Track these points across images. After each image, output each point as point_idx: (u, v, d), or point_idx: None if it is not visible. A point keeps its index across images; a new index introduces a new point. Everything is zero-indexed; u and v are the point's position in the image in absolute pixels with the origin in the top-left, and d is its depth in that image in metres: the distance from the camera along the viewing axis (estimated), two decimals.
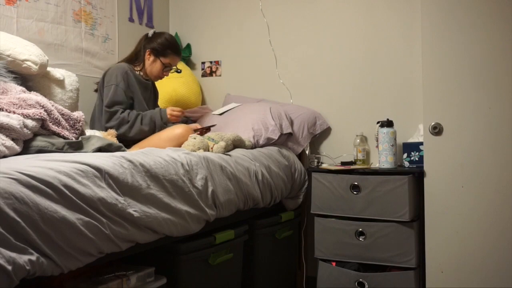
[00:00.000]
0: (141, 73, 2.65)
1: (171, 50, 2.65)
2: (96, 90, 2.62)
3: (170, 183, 1.68)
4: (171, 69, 2.70)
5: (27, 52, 2.09)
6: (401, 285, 2.31)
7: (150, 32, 2.69)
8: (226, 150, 2.22)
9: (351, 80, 2.94)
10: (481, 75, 2.23)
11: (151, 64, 2.63)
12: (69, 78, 2.38)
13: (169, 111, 2.50)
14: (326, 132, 2.99)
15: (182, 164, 1.77)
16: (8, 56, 2.03)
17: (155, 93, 2.82)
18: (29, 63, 2.08)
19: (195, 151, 2.09)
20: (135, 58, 2.67)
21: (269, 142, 2.64)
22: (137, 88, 2.55)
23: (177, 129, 2.34)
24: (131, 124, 2.42)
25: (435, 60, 2.30)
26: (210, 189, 1.88)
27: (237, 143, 2.37)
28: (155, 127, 2.46)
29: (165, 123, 2.49)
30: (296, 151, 2.84)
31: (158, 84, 2.85)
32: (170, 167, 1.71)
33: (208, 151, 2.17)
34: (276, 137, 2.63)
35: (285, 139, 2.77)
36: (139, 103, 2.55)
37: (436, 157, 2.30)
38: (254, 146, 2.57)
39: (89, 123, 2.61)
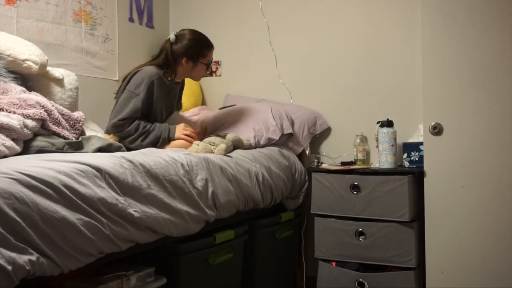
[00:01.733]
0: (173, 78, 2.51)
1: (206, 47, 2.54)
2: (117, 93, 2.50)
3: (170, 183, 1.68)
4: (211, 63, 2.63)
5: (27, 52, 2.09)
6: (401, 285, 2.31)
7: (172, 37, 2.51)
8: (227, 151, 2.21)
9: (351, 80, 2.93)
10: (481, 75, 2.23)
11: (193, 69, 2.52)
12: (68, 77, 2.38)
13: (180, 131, 2.38)
14: (326, 132, 2.99)
15: (182, 165, 1.77)
16: (9, 56, 2.03)
17: (181, 88, 2.72)
18: (29, 62, 2.08)
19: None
20: (164, 64, 2.48)
21: (270, 143, 2.63)
22: (159, 97, 2.42)
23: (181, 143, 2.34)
24: (132, 139, 2.31)
25: (435, 60, 2.30)
26: (210, 190, 1.88)
27: (236, 143, 2.37)
28: (157, 144, 2.34)
29: (171, 140, 2.38)
30: (297, 151, 2.84)
31: None
32: (170, 168, 1.71)
33: None
34: (277, 138, 2.63)
35: (285, 139, 2.77)
36: (155, 112, 2.44)
37: (436, 157, 2.30)
38: (255, 146, 2.57)
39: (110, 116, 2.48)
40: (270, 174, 2.37)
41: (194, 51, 2.49)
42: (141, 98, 2.33)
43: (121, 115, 2.31)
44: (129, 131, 2.31)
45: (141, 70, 2.41)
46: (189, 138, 2.38)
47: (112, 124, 2.32)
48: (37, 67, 2.10)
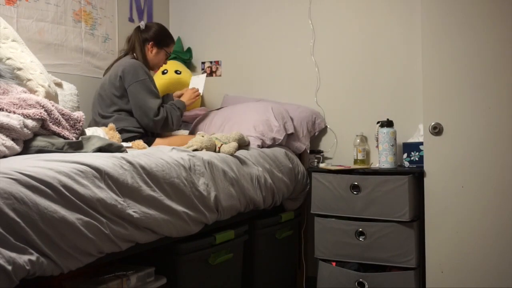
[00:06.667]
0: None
1: (171, 39, 2.78)
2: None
3: (171, 186, 1.67)
4: (170, 56, 2.85)
5: (48, 82, 2.05)
6: (401, 285, 2.31)
7: (142, 24, 2.72)
8: (236, 151, 2.19)
9: (351, 80, 2.93)
10: (481, 75, 2.23)
11: (155, 55, 2.70)
12: (67, 85, 2.40)
13: (188, 97, 2.77)
14: (326, 131, 2.99)
15: (184, 168, 1.76)
16: (32, 74, 2.01)
17: None
18: (42, 89, 2.03)
19: (202, 149, 2.07)
20: (132, 52, 2.66)
21: (275, 143, 2.63)
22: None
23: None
24: (168, 124, 2.56)
25: (435, 60, 2.30)
26: (213, 194, 1.87)
27: (240, 142, 2.35)
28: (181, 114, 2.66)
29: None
30: (299, 151, 2.83)
31: (157, 83, 2.84)
32: (172, 170, 1.70)
33: (215, 150, 2.14)
34: (281, 137, 2.63)
35: (286, 139, 2.77)
36: None
37: (436, 157, 2.29)
38: (261, 146, 2.56)
39: (92, 111, 2.60)
40: (273, 177, 2.36)
41: (162, 38, 2.70)
42: (148, 79, 2.54)
43: (152, 108, 2.48)
44: (165, 118, 2.53)
45: (126, 66, 2.53)
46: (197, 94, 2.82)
47: (154, 122, 2.49)
48: (44, 94, 2.06)
